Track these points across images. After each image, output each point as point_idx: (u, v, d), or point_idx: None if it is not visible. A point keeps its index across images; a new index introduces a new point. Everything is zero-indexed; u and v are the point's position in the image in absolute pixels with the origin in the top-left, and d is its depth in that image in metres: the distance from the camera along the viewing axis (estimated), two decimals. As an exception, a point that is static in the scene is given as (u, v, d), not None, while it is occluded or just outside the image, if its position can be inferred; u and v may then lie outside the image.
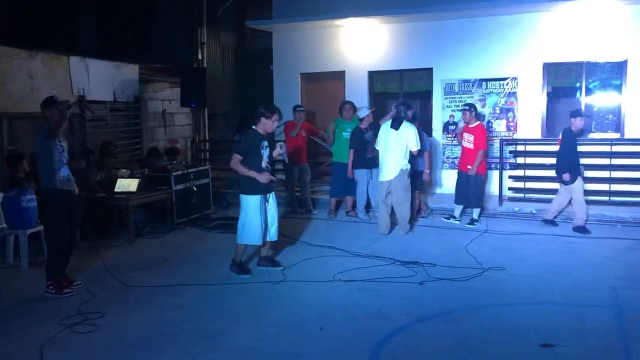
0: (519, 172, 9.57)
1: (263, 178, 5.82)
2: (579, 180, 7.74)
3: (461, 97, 9.94)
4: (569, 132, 7.81)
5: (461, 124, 8.78)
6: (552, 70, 9.62)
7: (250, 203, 5.89)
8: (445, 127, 10.14)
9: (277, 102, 10.10)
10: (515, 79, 9.67)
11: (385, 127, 7.72)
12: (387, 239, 7.56)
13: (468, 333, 4.48)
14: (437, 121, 10.25)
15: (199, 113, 12.63)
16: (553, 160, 8.98)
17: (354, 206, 8.93)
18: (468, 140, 8.18)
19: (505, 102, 9.76)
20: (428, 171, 8.37)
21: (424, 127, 10.11)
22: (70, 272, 5.83)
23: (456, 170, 8.82)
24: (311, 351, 4.22)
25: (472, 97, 9.89)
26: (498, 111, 9.81)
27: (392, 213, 7.80)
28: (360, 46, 10.71)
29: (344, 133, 8.81)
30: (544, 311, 4.96)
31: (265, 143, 5.96)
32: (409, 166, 7.66)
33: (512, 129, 9.75)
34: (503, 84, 9.75)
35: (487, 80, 9.83)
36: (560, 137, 8.02)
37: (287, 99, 10.34)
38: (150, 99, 11.66)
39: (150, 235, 7.93)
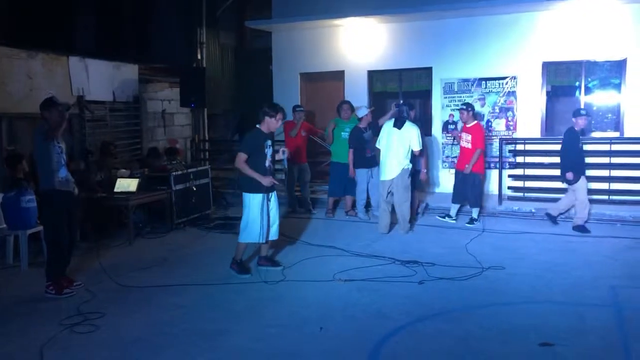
0: (519, 171, 9.57)
1: (266, 181, 5.84)
2: (582, 180, 7.72)
3: (460, 97, 9.94)
4: (571, 131, 7.81)
5: (461, 124, 8.78)
6: (551, 69, 9.62)
7: (252, 201, 5.91)
8: (445, 127, 10.14)
9: (276, 101, 10.07)
10: (514, 78, 9.68)
11: (388, 127, 7.73)
12: (386, 238, 7.57)
13: (468, 332, 4.49)
14: (436, 120, 10.25)
15: (198, 113, 12.63)
16: (552, 159, 9.02)
17: (353, 206, 8.94)
18: (466, 140, 8.19)
19: (505, 101, 9.77)
20: (425, 170, 8.37)
21: (423, 126, 10.13)
22: (70, 272, 5.84)
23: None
24: (311, 351, 4.23)
25: (472, 97, 9.90)
26: (497, 110, 9.82)
27: (392, 212, 7.81)
28: (360, 46, 10.71)
29: (342, 133, 8.82)
30: (543, 310, 4.96)
31: (269, 142, 6.00)
32: (410, 165, 7.69)
33: (511, 128, 9.76)
34: (502, 83, 9.76)
35: (486, 79, 9.83)
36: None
37: (287, 98, 10.33)
38: (149, 99, 11.67)
39: (150, 235, 7.94)
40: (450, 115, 10.04)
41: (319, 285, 5.66)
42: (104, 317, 4.89)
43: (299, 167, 9.19)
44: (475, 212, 8.28)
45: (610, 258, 6.50)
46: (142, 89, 11.32)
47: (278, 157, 6.22)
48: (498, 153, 9.40)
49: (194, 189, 8.73)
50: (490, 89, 9.83)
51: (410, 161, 7.70)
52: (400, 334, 4.48)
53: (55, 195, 5.45)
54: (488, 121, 9.85)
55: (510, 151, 9.62)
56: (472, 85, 9.93)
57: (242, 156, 5.82)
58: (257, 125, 6.00)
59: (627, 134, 9.12)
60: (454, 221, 8.34)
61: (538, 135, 9.64)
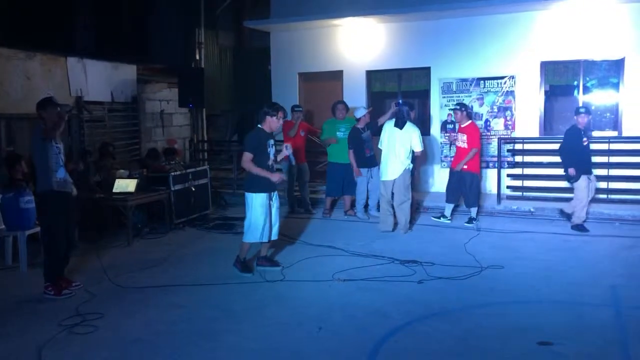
0: (517, 171, 9.58)
1: (275, 178, 5.91)
2: (582, 179, 7.71)
3: (459, 96, 9.96)
4: (572, 129, 7.81)
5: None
6: (549, 69, 9.63)
7: (256, 201, 5.94)
8: (444, 126, 10.15)
9: (275, 102, 10.09)
10: (512, 77, 9.69)
11: (389, 127, 7.73)
12: (385, 238, 7.57)
13: (467, 331, 4.49)
14: (435, 120, 10.26)
15: (197, 113, 12.64)
16: (551, 159, 9.03)
17: (352, 205, 8.94)
18: (462, 140, 8.18)
19: (503, 100, 9.78)
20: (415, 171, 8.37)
21: (421, 126, 10.14)
22: (68, 273, 5.84)
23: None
24: (310, 351, 4.23)
25: (470, 96, 9.91)
26: (496, 110, 9.82)
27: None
28: (358, 46, 10.71)
29: (337, 133, 8.82)
30: (542, 309, 4.97)
31: (271, 141, 6.03)
32: (411, 165, 7.72)
33: (510, 127, 9.76)
34: (501, 83, 9.76)
35: (484, 79, 9.84)
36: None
37: (285, 98, 10.33)
38: (148, 99, 11.67)
39: (149, 236, 7.93)
40: (449, 114, 10.04)
41: (318, 285, 5.66)
42: (103, 317, 4.89)
43: (298, 167, 9.18)
44: (473, 212, 8.29)
45: (609, 257, 6.51)
46: (141, 90, 11.32)
47: (283, 154, 6.20)
48: (497, 152, 9.41)
49: (193, 189, 8.73)
50: (489, 89, 9.84)
51: (412, 161, 7.73)
52: (399, 334, 4.48)
53: (53, 197, 5.43)
54: (487, 121, 9.86)
55: (508, 150, 9.63)
56: (471, 85, 9.94)
57: (247, 156, 5.87)
58: (259, 125, 6.03)
59: (626, 133, 9.13)
60: (448, 221, 8.34)
61: (536, 135, 9.65)
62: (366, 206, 8.79)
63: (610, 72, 9.41)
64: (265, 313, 4.97)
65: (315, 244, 7.24)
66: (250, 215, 5.99)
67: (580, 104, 9.26)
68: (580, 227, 7.71)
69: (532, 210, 8.76)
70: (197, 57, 12.90)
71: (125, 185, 7.65)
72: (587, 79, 9.50)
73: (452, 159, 8.70)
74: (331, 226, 8.39)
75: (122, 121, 10.89)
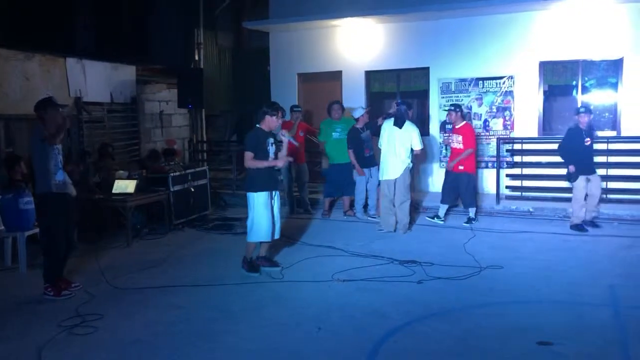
0: (516, 171, 9.59)
1: (280, 163, 5.99)
2: (580, 179, 7.71)
3: (458, 96, 9.96)
4: (573, 129, 7.80)
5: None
6: (548, 69, 9.64)
7: (257, 200, 5.97)
8: (443, 127, 10.15)
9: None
10: (511, 77, 9.69)
11: (388, 126, 7.72)
12: (385, 238, 7.57)
13: (466, 331, 4.49)
14: (434, 120, 10.26)
15: (196, 114, 12.64)
16: (550, 159, 9.04)
17: (351, 206, 8.95)
18: (457, 141, 8.17)
19: (502, 100, 9.78)
20: None
21: (421, 126, 10.14)
22: (68, 273, 5.84)
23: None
24: (310, 351, 4.23)
25: (469, 96, 9.92)
26: (495, 110, 9.83)
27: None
28: (357, 46, 10.72)
29: (333, 133, 8.83)
30: (541, 309, 4.98)
31: (271, 140, 6.05)
32: (411, 164, 7.73)
33: (508, 127, 9.77)
34: (499, 83, 9.77)
35: (483, 79, 9.85)
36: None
37: (284, 99, 10.32)
38: (147, 100, 11.67)
39: (148, 237, 7.93)
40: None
41: (317, 286, 5.67)
42: (103, 318, 4.89)
43: (297, 167, 9.19)
44: (472, 212, 8.29)
45: (608, 257, 6.51)
46: (140, 90, 11.32)
47: (284, 144, 6.14)
48: (496, 152, 9.41)
49: (192, 189, 8.74)
50: (488, 89, 9.85)
51: (412, 160, 7.74)
52: (398, 334, 4.48)
53: (52, 199, 5.42)
54: (485, 121, 9.87)
55: (507, 150, 9.64)
56: (470, 85, 9.94)
57: (248, 155, 5.93)
58: (257, 125, 6.05)
59: (624, 133, 9.13)
60: (442, 222, 8.32)
61: (535, 135, 9.65)
62: (365, 206, 8.79)
63: (609, 72, 9.42)
64: (264, 314, 4.98)
65: (314, 245, 7.24)
66: (252, 215, 6.02)
67: (579, 104, 9.27)
68: (579, 227, 7.71)
69: (531, 210, 8.76)
70: (196, 58, 12.89)
71: (124, 186, 7.65)
72: (586, 79, 9.50)
73: (447, 160, 8.63)
74: (330, 226, 8.39)
75: (122, 122, 10.89)
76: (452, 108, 8.29)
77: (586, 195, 7.74)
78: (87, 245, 7.21)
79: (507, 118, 9.77)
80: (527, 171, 9.51)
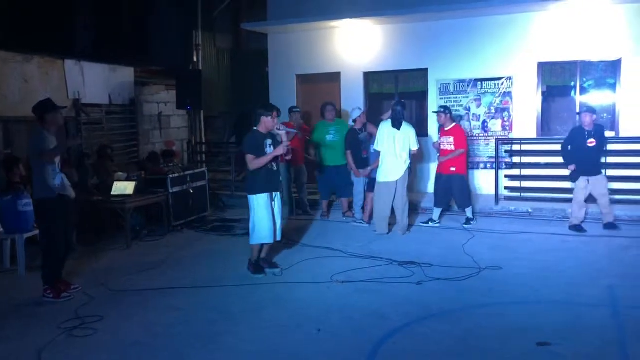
0: (515, 172, 9.60)
1: (280, 150, 5.95)
2: (581, 180, 7.71)
3: (456, 97, 9.98)
4: (575, 128, 7.79)
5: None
6: (546, 70, 9.66)
7: (257, 202, 5.99)
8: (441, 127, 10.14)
9: (273, 103, 10.08)
10: (510, 78, 9.71)
11: (387, 128, 7.68)
12: (384, 239, 7.58)
13: (466, 332, 4.50)
14: (432, 121, 10.25)
15: (195, 115, 12.65)
16: (548, 159, 9.05)
17: (350, 207, 8.95)
18: (447, 143, 8.15)
19: (501, 101, 9.80)
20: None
21: (419, 127, 10.15)
22: (67, 275, 5.84)
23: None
24: (309, 352, 4.24)
25: (468, 97, 9.94)
26: (493, 111, 9.84)
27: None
28: (356, 47, 10.73)
29: (327, 136, 8.83)
30: (540, 310, 4.99)
31: (269, 141, 6.05)
32: (409, 165, 7.73)
33: (507, 128, 9.78)
34: (498, 84, 9.79)
35: (482, 80, 9.86)
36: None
37: (283, 100, 10.33)
38: (146, 101, 11.68)
39: (147, 238, 7.93)
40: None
41: (316, 287, 5.67)
42: (102, 320, 4.89)
43: (296, 168, 9.19)
44: (469, 212, 8.27)
45: (607, 257, 6.52)
46: (139, 92, 11.33)
47: (284, 139, 6.07)
48: (494, 153, 9.42)
49: (191, 191, 8.74)
50: (486, 90, 9.86)
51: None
52: (398, 335, 4.49)
53: (50, 202, 5.41)
54: (484, 122, 9.88)
55: (506, 151, 9.65)
56: (468, 86, 9.96)
57: (250, 157, 5.95)
58: (255, 127, 6.06)
59: (623, 133, 9.15)
60: (437, 225, 8.31)
61: (534, 136, 9.66)
62: (364, 207, 8.79)
63: (607, 72, 9.44)
64: (264, 315, 4.98)
65: (313, 246, 7.24)
66: (253, 217, 6.03)
67: (578, 105, 9.30)
68: (578, 228, 7.72)
69: (530, 211, 8.77)
70: (195, 59, 12.90)
71: (123, 187, 7.65)
72: (584, 79, 9.52)
73: (438, 163, 8.47)
74: (329, 228, 8.40)
75: (120, 123, 10.90)
76: (442, 110, 8.26)
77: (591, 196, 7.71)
78: (86, 247, 7.21)
79: (505, 119, 9.79)
80: (525, 172, 9.52)
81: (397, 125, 7.62)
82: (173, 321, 4.87)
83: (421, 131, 10.01)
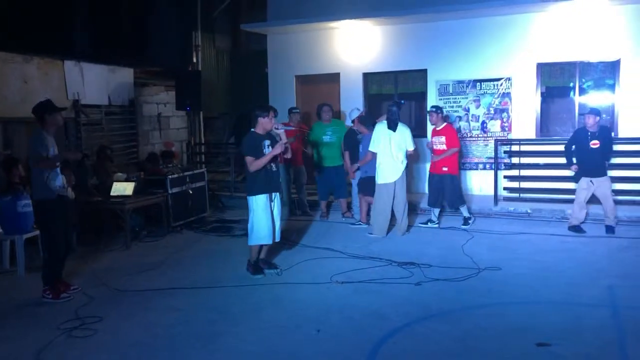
0: (514, 172, 9.60)
1: (279, 149, 5.94)
2: (582, 181, 7.69)
3: (456, 98, 9.99)
4: (578, 129, 7.79)
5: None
6: (545, 71, 9.67)
7: (256, 203, 5.99)
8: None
9: (272, 104, 10.08)
10: (509, 79, 9.72)
11: (382, 129, 7.64)
12: (383, 240, 7.58)
13: (465, 332, 4.50)
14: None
15: (194, 116, 12.64)
16: (547, 160, 9.06)
17: (349, 207, 8.96)
18: (439, 142, 8.12)
19: (500, 102, 9.81)
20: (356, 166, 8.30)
21: (418, 128, 10.18)
22: (67, 276, 5.83)
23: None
24: (309, 353, 4.24)
25: (467, 98, 9.94)
26: (492, 112, 9.85)
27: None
28: (355, 48, 10.73)
29: (324, 137, 8.83)
30: (540, 310, 4.99)
31: (267, 142, 6.05)
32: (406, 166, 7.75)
33: (506, 129, 9.79)
34: (497, 85, 9.80)
35: (481, 80, 9.87)
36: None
37: (283, 101, 10.35)
38: (145, 102, 11.68)
39: (146, 239, 7.93)
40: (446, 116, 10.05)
41: (316, 287, 5.67)
42: (102, 320, 4.89)
43: (295, 169, 9.20)
44: (464, 211, 8.23)
45: (606, 258, 6.53)
46: (138, 93, 11.33)
47: (282, 138, 6.09)
48: (493, 154, 9.43)
49: (191, 192, 8.74)
50: (485, 91, 9.87)
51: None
52: (398, 335, 4.49)
53: (50, 203, 5.41)
54: (483, 122, 9.89)
55: (505, 152, 9.66)
56: (467, 86, 9.96)
57: (250, 159, 5.95)
58: (252, 129, 6.07)
59: (621, 134, 9.16)
60: (436, 225, 8.30)
61: (533, 136, 9.67)
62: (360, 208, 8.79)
63: (606, 73, 9.45)
64: (263, 316, 4.98)
65: (313, 246, 7.25)
66: (252, 218, 6.04)
67: (577, 106, 9.32)
68: (577, 228, 7.72)
69: (529, 211, 8.78)
70: (194, 60, 12.91)
71: (122, 188, 7.65)
72: (583, 80, 9.53)
73: (430, 163, 8.45)
74: (329, 228, 8.40)
75: (120, 124, 10.90)
76: (434, 109, 8.22)
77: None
78: (85, 248, 7.20)
79: (504, 120, 9.79)
80: (524, 172, 9.53)
81: (392, 126, 7.59)
82: (173, 321, 4.87)
83: (420, 132, 10.05)
